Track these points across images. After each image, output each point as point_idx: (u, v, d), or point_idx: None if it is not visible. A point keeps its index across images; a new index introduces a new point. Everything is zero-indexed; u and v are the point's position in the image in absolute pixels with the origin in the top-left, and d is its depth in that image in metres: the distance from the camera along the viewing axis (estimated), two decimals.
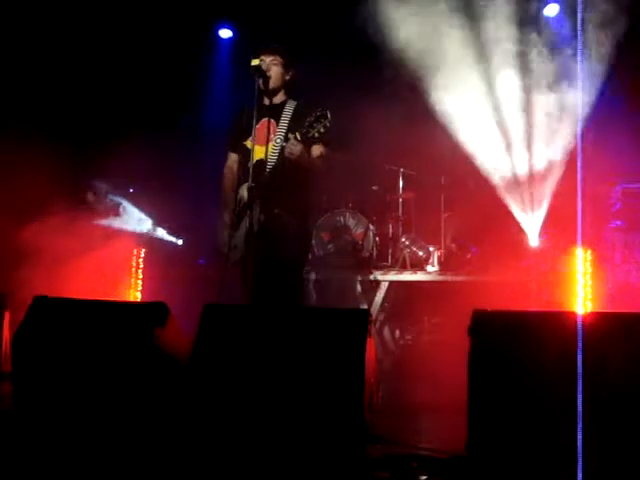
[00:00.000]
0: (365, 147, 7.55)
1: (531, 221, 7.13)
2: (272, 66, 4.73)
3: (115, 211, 7.89)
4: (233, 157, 4.94)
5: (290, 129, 4.69)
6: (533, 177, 6.96)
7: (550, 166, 6.83)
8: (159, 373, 3.28)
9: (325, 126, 4.39)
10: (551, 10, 8.06)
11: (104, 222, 7.58)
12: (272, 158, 4.66)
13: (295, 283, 4.74)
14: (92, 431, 3.24)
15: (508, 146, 7.17)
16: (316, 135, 4.43)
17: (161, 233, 8.20)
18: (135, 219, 8.03)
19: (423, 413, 4.68)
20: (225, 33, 9.12)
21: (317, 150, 4.66)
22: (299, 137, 4.46)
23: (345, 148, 5.22)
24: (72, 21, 7.74)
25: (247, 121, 4.61)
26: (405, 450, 3.34)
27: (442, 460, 3.20)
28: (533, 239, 7.26)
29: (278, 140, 4.71)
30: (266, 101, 4.78)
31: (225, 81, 8.79)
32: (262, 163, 4.66)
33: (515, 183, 7.06)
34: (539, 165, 6.90)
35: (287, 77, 4.84)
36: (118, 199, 7.98)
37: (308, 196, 4.89)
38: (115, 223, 7.76)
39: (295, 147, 4.47)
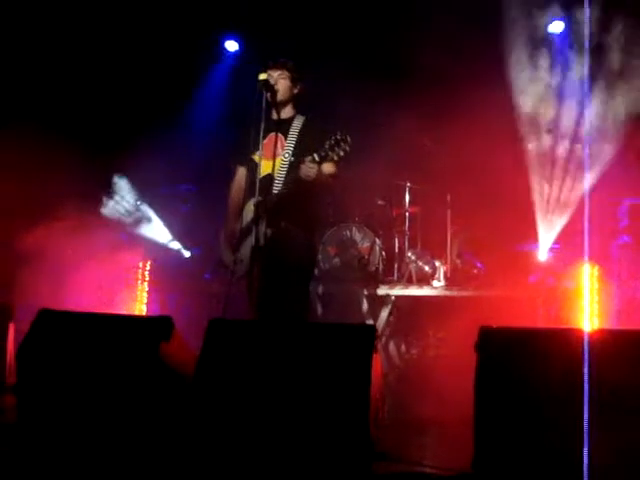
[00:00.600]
0: (371, 161, 7.55)
1: (545, 235, 7.13)
2: (280, 80, 4.75)
3: (140, 221, 7.94)
4: (241, 171, 4.94)
5: (299, 144, 4.71)
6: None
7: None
8: (164, 388, 3.27)
9: (345, 150, 4.39)
10: (556, 27, 8.06)
11: (127, 230, 7.63)
12: (280, 173, 4.67)
13: (301, 297, 4.73)
14: (96, 444, 3.23)
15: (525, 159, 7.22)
16: (335, 158, 4.43)
17: (176, 246, 8.23)
18: (156, 230, 8.08)
19: (429, 429, 4.65)
20: (231, 45, 9.10)
21: (330, 168, 4.64)
22: (317, 158, 4.45)
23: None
24: (82, 27, 7.77)
25: (255, 135, 4.62)
26: (410, 468, 3.31)
27: (448, 478, 3.17)
28: (543, 254, 7.25)
29: (286, 155, 4.71)
30: (274, 115, 4.78)
31: (232, 94, 8.78)
32: (270, 178, 4.66)
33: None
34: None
35: (295, 91, 4.85)
36: (144, 208, 8.04)
37: (315, 210, 4.90)
38: (137, 231, 7.82)
39: (312, 170, 4.46)
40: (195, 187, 8.59)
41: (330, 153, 4.40)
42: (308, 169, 4.46)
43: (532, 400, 2.97)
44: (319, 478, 2.98)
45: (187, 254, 8.28)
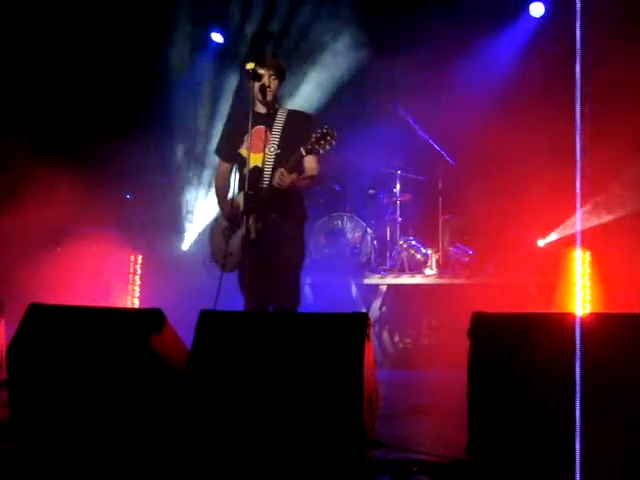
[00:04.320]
0: (361, 149, 7.54)
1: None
2: (272, 81, 4.71)
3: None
4: (225, 164, 4.95)
5: (284, 137, 4.71)
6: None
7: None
8: (155, 380, 3.26)
9: (331, 144, 4.46)
10: (536, 9, 7.88)
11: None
12: (268, 166, 4.67)
13: (294, 290, 4.73)
14: (88, 439, 3.22)
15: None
16: (321, 151, 4.50)
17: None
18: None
19: (423, 417, 4.66)
20: (217, 37, 8.95)
21: (312, 163, 4.70)
22: (303, 152, 4.48)
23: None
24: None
25: (242, 128, 4.63)
26: (405, 455, 3.31)
27: (443, 465, 3.17)
28: (541, 240, 7.24)
29: (272, 149, 4.71)
30: (259, 109, 4.76)
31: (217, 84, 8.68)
32: (258, 171, 4.66)
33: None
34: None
35: (281, 87, 4.86)
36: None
37: (305, 202, 4.90)
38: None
39: (285, 179, 4.51)
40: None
41: (316, 147, 4.46)
42: (282, 178, 4.51)
43: (525, 385, 2.97)
44: (313, 466, 2.97)
45: (185, 247, 8.27)
